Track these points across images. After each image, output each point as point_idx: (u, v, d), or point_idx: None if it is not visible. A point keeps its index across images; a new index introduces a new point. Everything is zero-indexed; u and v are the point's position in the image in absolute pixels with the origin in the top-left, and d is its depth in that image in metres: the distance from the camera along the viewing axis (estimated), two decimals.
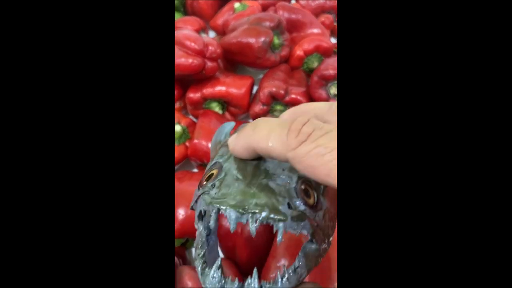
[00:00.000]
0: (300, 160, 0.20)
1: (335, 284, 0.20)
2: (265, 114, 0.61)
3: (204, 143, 0.54)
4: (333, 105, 0.25)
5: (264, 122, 0.23)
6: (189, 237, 0.51)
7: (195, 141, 0.55)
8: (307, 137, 0.20)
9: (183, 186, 0.49)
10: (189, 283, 0.35)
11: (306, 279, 0.23)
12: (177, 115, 0.60)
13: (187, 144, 0.58)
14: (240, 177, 0.23)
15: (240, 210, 0.21)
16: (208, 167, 0.27)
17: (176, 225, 0.47)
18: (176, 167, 0.60)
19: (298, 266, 0.22)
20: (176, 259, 0.40)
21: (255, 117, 0.60)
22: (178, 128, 0.57)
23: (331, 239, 0.25)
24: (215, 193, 0.23)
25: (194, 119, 0.63)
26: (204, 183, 0.25)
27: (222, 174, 0.24)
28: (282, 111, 0.58)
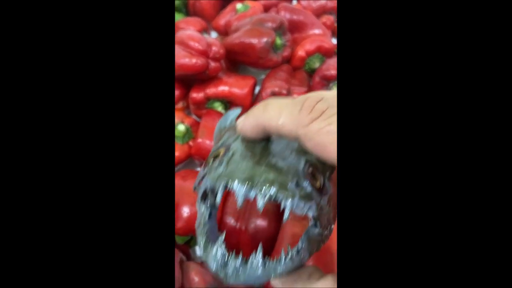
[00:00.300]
0: (311, 137, 0.19)
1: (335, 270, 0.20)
2: None
3: (207, 142, 0.55)
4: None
5: (275, 101, 0.22)
6: (193, 235, 0.51)
7: (199, 140, 0.55)
8: (320, 114, 0.19)
9: (187, 185, 0.50)
10: (196, 279, 0.36)
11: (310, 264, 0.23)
12: (180, 115, 0.61)
13: (190, 143, 0.59)
14: (248, 155, 0.22)
15: (249, 184, 0.20)
16: (213, 149, 0.26)
17: (181, 223, 0.47)
18: (179, 166, 0.60)
19: (301, 248, 0.22)
20: (181, 255, 0.41)
21: None
22: (181, 127, 0.58)
23: (333, 226, 0.24)
24: (223, 170, 0.22)
25: (197, 119, 0.63)
26: (210, 162, 0.24)
27: (230, 153, 0.23)
28: None
